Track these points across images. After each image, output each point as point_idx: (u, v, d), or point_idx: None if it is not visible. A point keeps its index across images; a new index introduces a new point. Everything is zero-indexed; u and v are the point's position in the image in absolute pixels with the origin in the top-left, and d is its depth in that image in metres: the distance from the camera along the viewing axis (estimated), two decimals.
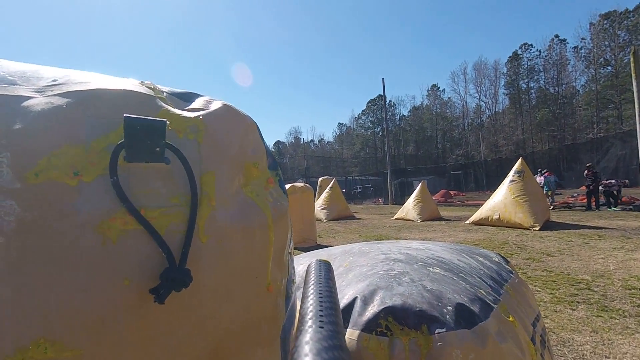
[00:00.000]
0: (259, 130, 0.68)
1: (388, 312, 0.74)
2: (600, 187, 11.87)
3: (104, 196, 0.43)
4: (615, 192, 11.68)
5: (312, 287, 0.51)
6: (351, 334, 0.73)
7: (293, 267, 0.70)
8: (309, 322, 0.37)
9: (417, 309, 0.73)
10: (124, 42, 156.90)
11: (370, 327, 0.72)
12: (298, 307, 0.94)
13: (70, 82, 0.49)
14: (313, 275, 0.58)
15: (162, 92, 0.57)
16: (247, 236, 0.54)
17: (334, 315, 0.40)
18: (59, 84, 0.48)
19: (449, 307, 0.75)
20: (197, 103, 0.60)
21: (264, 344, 0.57)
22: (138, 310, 0.42)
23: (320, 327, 0.36)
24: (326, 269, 0.63)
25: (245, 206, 0.56)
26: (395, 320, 0.72)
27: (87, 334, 0.39)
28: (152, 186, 0.47)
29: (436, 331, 0.69)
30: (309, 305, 0.43)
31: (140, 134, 0.44)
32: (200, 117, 0.55)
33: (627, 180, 12.34)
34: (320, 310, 0.40)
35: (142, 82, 0.57)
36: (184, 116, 0.54)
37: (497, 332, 0.75)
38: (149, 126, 0.44)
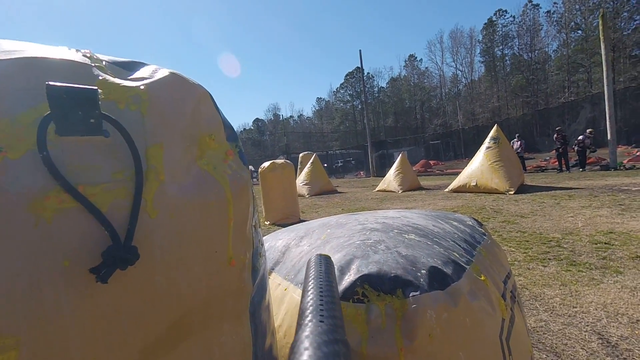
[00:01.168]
0: (213, 100, 0.64)
1: (364, 279, 0.74)
2: (575, 147, 12.33)
3: (35, 174, 0.39)
4: (588, 146, 12.09)
5: (312, 281, 0.51)
6: None
7: (259, 240, 0.68)
8: (309, 317, 0.37)
9: (392, 275, 0.74)
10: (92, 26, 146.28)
11: (347, 295, 0.73)
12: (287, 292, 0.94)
13: None
14: (313, 269, 0.58)
15: (101, 60, 0.52)
16: (204, 210, 0.52)
17: (334, 310, 0.40)
18: None
19: (422, 271, 0.76)
20: (141, 72, 0.55)
21: (230, 318, 0.56)
22: (82, 291, 0.40)
23: (321, 322, 0.36)
24: (326, 263, 0.62)
25: (200, 179, 0.53)
26: (372, 287, 0.73)
27: (26, 319, 0.37)
28: (92, 161, 0.43)
29: (410, 294, 0.71)
30: (309, 299, 0.43)
31: (68, 103, 0.40)
32: (142, 87, 0.51)
33: (592, 129, 12.70)
34: (320, 305, 0.40)
35: (78, 50, 0.52)
36: (124, 85, 0.49)
37: (469, 292, 0.78)
38: (78, 94, 0.40)
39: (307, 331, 0.33)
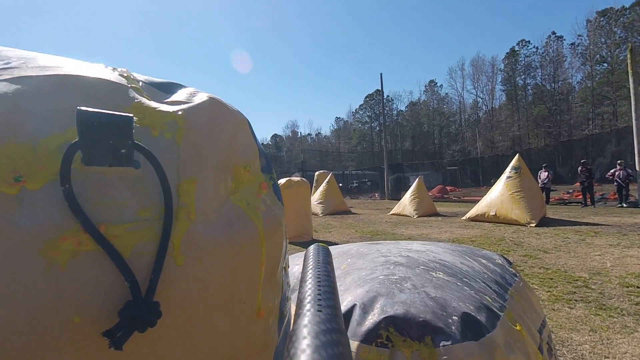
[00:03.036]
0: (251, 127, 0.59)
1: (389, 322, 0.68)
2: (614, 183, 11.66)
3: (53, 209, 0.34)
4: (626, 182, 11.35)
5: (310, 271, 0.49)
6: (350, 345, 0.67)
7: (288, 283, 0.63)
8: (307, 306, 0.36)
9: (421, 319, 0.68)
10: (117, 34, 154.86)
11: (370, 338, 0.67)
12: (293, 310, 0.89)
13: (26, 67, 0.41)
14: (311, 259, 0.55)
15: (138, 81, 0.49)
16: (234, 254, 0.46)
17: (332, 299, 0.39)
18: (11, 68, 0.40)
19: (454, 317, 0.69)
20: (178, 95, 0.51)
21: None
22: (91, 355, 0.34)
23: (319, 311, 0.34)
24: (325, 253, 0.60)
25: (232, 218, 0.47)
26: (397, 331, 0.67)
27: None
28: (117, 196, 0.38)
29: (441, 344, 0.64)
30: (307, 289, 0.42)
31: (99, 131, 0.36)
32: (180, 112, 0.46)
33: (622, 160, 11.95)
34: (318, 294, 0.39)
35: (114, 68, 0.49)
36: (160, 110, 0.45)
37: (504, 344, 0.70)
38: (111, 122, 0.36)
39: (305, 320, 0.33)
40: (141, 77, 0.52)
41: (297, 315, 0.35)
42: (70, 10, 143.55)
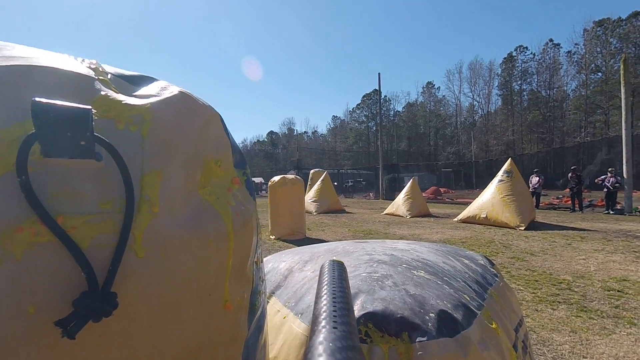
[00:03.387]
0: (223, 122, 0.60)
1: (368, 317, 0.71)
2: (604, 189, 11.72)
3: (10, 200, 0.34)
4: (614, 185, 11.37)
5: (325, 287, 0.49)
6: None
7: (260, 277, 0.63)
8: (323, 323, 0.36)
9: (399, 316, 0.71)
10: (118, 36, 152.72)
11: None
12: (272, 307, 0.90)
13: None
14: (327, 275, 0.56)
15: (107, 73, 0.49)
16: (200, 247, 0.46)
17: (348, 316, 0.39)
18: None
19: (431, 314, 0.72)
20: (148, 89, 0.51)
21: None
22: (46, 344, 0.34)
23: (334, 328, 0.35)
24: (340, 269, 0.61)
25: (200, 212, 0.48)
26: (376, 327, 0.69)
27: None
28: (77, 188, 0.38)
29: (417, 339, 0.67)
30: (322, 305, 0.42)
31: (57, 123, 0.35)
32: (148, 106, 0.46)
33: (612, 168, 12.03)
34: (334, 311, 0.39)
35: (83, 60, 0.49)
36: (126, 103, 0.45)
37: (479, 340, 0.73)
38: (68, 114, 0.36)
39: (320, 337, 0.33)
40: (111, 69, 0.51)
41: (313, 331, 0.35)
42: (71, 10, 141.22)
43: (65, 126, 0.36)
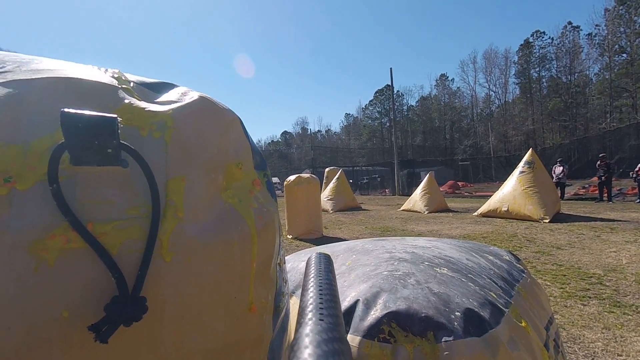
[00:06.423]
0: (243, 126, 0.60)
1: (391, 317, 0.69)
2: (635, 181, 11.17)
3: (43, 208, 0.35)
4: None
5: (312, 279, 0.49)
6: (352, 340, 0.68)
7: (283, 278, 0.64)
8: (309, 315, 0.36)
9: (423, 315, 0.68)
10: (124, 36, 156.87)
11: (372, 333, 0.68)
12: (296, 306, 0.90)
13: (19, 70, 0.42)
14: (313, 268, 0.56)
15: (129, 82, 0.50)
16: (225, 250, 0.46)
17: (334, 308, 0.40)
18: (5, 72, 0.41)
19: (457, 313, 0.70)
20: (169, 95, 0.52)
21: None
22: (80, 348, 0.35)
23: (320, 320, 0.35)
24: (326, 261, 0.60)
25: (223, 215, 0.48)
26: (399, 327, 0.68)
27: None
28: (105, 195, 0.39)
29: (443, 339, 0.65)
30: (309, 297, 0.42)
31: (85, 132, 0.36)
32: (170, 112, 0.47)
33: None
34: (320, 303, 0.39)
35: (107, 70, 0.50)
36: (149, 110, 0.46)
37: (508, 340, 0.70)
38: (95, 123, 0.37)
39: (307, 329, 0.33)
40: (133, 77, 0.52)
41: (299, 324, 0.35)
42: (70, 10, 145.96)
43: (93, 135, 0.37)
